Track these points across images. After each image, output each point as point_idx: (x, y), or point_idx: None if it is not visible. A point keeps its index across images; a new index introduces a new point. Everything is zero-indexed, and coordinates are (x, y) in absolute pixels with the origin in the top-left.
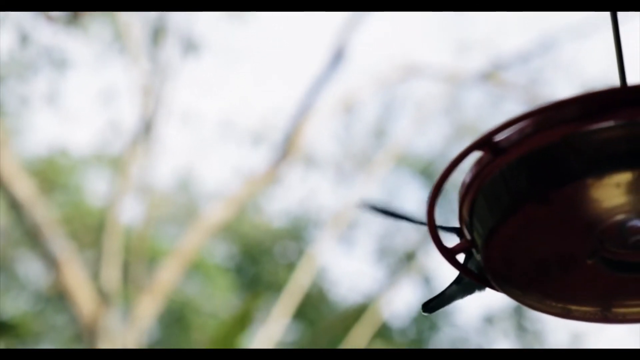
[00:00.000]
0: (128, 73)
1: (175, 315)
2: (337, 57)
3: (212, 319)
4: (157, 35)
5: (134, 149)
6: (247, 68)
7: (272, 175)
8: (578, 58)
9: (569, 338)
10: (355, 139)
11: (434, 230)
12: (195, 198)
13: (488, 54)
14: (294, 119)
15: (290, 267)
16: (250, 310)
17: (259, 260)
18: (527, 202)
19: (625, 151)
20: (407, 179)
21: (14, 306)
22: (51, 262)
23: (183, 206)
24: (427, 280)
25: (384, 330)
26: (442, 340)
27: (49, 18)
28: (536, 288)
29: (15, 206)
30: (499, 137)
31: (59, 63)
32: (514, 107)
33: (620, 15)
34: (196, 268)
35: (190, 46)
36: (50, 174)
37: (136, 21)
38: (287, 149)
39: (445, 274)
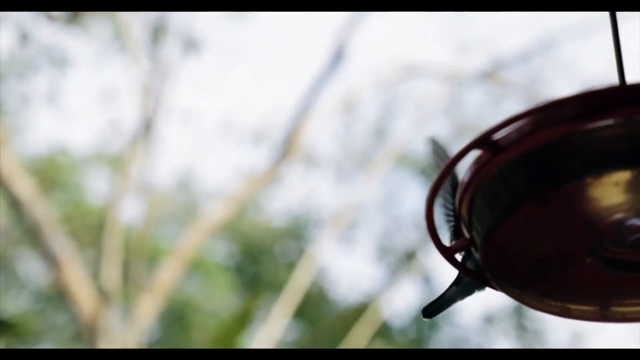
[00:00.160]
0: (128, 72)
1: (175, 314)
2: (337, 57)
3: (212, 319)
4: (157, 34)
5: (134, 148)
6: (247, 67)
7: (272, 175)
8: (578, 58)
9: (569, 338)
10: (356, 139)
11: (432, 229)
12: (195, 197)
13: (488, 53)
14: (294, 119)
15: (291, 266)
16: (251, 309)
17: (259, 260)
18: (526, 200)
19: (624, 150)
20: (408, 178)
21: (14, 305)
22: (51, 261)
23: (183, 205)
24: (427, 280)
25: (384, 330)
26: (443, 339)
27: (49, 17)
28: (535, 287)
29: (15, 205)
30: (498, 136)
31: (59, 62)
32: (514, 107)
33: (620, 15)
34: (196, 267)
35: (190, 45)
36: (51, 173)
37: (136, 20)
38: (287, 148)
39: (446, 273)
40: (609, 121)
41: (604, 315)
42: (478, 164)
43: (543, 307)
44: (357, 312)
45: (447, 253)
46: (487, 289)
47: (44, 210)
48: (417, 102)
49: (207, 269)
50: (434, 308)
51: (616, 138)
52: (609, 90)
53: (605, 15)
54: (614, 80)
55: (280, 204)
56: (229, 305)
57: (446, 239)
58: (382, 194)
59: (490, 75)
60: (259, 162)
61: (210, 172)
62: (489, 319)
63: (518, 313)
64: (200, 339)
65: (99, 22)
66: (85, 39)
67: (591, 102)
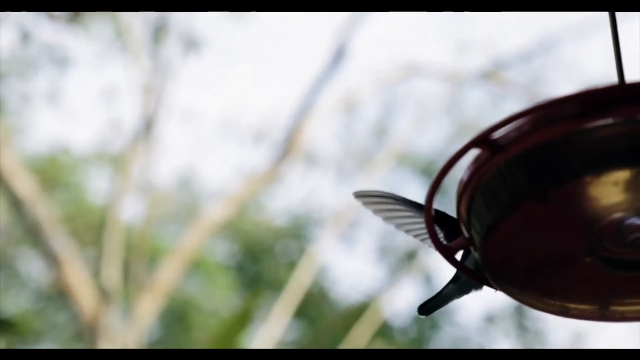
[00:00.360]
0: (129, 72)
1: (175, 313)
2: (338, 56)
3: (212, 318)
4: (158, 33)
5: (135, 148)
6: (247, 67)
7: (272, 174)
8: (578, 57)
9: (570, 337)
10: (356, 138)
11: (432, 228)
12: (196, 196)
13: (488, 53)
14: (294, 118)
15: (291, 265)
16: (251, 308)
17: (259, 259)
18: (525, 199)
19: (623, 149)
20: (408, 178)
21: (15, 304)
22: (52, 260)
23: (184, 205)
24: (428, 280)
25: (384, 330)
26: (443, 339)
27: (51, 16)
28: (534, 286)
29: (16, 204)
30: (497, 135)
31: (60, 61)
32: (514, 106)
33: (620, 15)
34: (197, 267)
35: (191, 45)
36: (51, 172)
37: (137, 20)
38: (288, 147)
39: (446, 273)
40: (608, 120)
41: (603, 315)
42: (477, 163)
43: (542, 306)
44: (358, 311)
45: (446, 252)
46: (486, 287)
47: (44, 210)
48: (418, 101)
49: (207, 269)
50: (430, 306)
51: (615, 137)
52: (608, 89)
53: (605, 15)
54: (614, 79)
55: (281, 204)
56: (229, 304)
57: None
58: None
59: (490, 75)
60: (260, 162)
61: (211, 171)
62: (489, 319)
63: (519, 313)
64: (201, 338)
65: (99, 21)
66: (86, 38)
67: (590, 101)
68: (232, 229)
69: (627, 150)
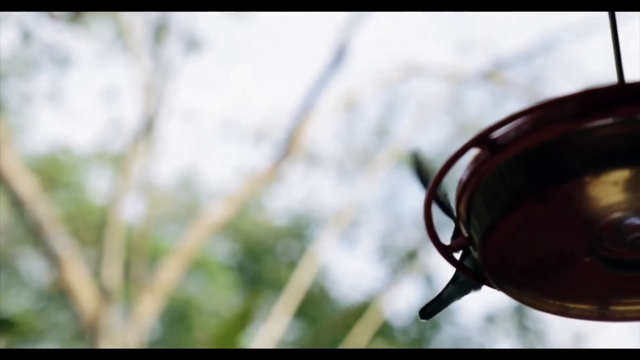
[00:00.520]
0: (130, 71)
1: (176, 313)
2: (339, 56)
3: (213, 317)
4: (159, 33)
5: (136, 147)
6: (248, 66)
7: (273, 174)
8: (579, 57)
9: (570, 337)
10: (357, 138)
11: (431, 227)
12: (197, 196)
13: (489, 53)
14: (295, 118)
15: (292, 265)
16: (252, 308)
17: (260, 259)
18: (524, 199)
19: (623, 148)
20: (409, 177)
21: (16, 304)
22: (53, 259)
23: (185, 204)
24: (428, 279)
25: (385, 329)
26: (444, 339)
27: (52, 16)
28: (534, 286)
29: (17, 204)
30: (496, 134)
31: (61, 61)
32: (515, 106)
33: (620, 15)
34: (197, 266)
35: (192, 44)
36: (52, 172)
37: (138, 20)
38: (289, 147)
39: (447, 273)
40: (608, 120)
41: (603, 314)
42: (476, 162)
43: (542, 306)
44: (358, 311)
45: (446, 252)
46: (485, 287)
47: (45, 209)
48: (419, 101)
49: (208, 268)
50: (431, 309)
51: (615, 137)
52: (608, 89)
53: (605, 15)
54: (614, 79)
55: (282, 203)
56: (230, 304)
57: (446, 239)
58: (383, 193)
59: (491, 75)
60: (261, 161)
61: (212, 171)
62: (490, 319)
63: (519, 313)
64: (201, 338)
65: (100, 21)
66: (87, 38)
67: (590, 100)
68: (232, 228)
69: (626, 150)
